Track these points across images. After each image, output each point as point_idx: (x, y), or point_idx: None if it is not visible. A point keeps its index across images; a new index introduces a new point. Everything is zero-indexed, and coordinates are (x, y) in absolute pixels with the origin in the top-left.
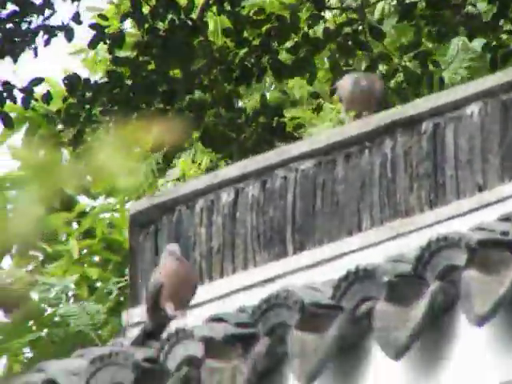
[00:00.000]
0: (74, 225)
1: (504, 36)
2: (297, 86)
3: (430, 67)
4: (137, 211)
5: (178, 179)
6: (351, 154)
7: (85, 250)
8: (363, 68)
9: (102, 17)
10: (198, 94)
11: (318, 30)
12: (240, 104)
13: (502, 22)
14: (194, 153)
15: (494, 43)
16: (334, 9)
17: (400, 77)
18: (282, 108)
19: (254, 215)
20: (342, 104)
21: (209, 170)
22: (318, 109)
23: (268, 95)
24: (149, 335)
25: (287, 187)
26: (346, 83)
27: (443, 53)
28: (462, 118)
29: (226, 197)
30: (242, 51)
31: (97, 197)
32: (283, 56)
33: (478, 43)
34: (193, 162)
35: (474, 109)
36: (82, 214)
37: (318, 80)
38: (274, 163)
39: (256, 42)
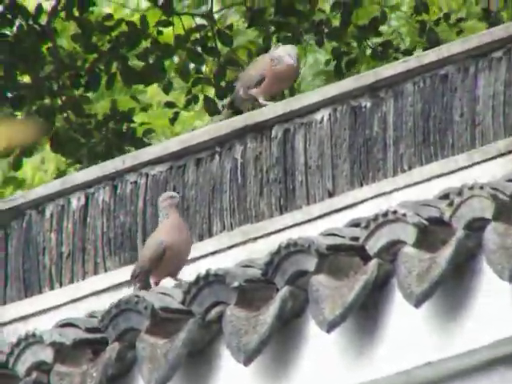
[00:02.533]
0: None
1: (352, 41)
2: (151, 93)
3: None
4: None
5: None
6: (202, 159)
7: None
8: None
9: None
10: (47, 99)
11: (168, 36)
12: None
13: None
14: (41, 159)
15: (342, 49)
16: (182, 14)
17: None
18: (132, 114)
19: (105, 220)
20: (264, 84)
21: (58, 176)
22: (174, 118)
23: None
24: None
25: (138, 192)
26: (284, 55)
27: None
28: (311, 123)
29: (77, 202)
30: (91, 57)
31: None
32: (133, 62)
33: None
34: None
35: (323, 114)
36: None
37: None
38: (125, 168)
39: (105, 48)
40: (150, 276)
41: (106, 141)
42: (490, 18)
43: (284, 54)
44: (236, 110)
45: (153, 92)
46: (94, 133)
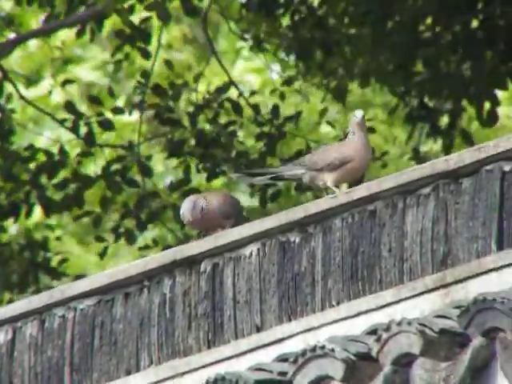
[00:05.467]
0: None
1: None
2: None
3: None
4: None
5: None
6: (130, 293)
7: None
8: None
9: None
10: None
11: (89, 167)
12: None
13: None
14: None
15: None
16: (104, 146)
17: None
18: (47, 243)
19: (32, 354)
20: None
21: None
22: (104, 253)
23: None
24: None
25: (66, 326)
26: (184, 207)
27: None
28: (240, 258)
29: (4, 336)
30: (10, 185)
31: None
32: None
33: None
34: None
35: (252, 249)
36: None
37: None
38: (53, 302)
39: (25, 177)
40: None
41: (21, 270)
42: (419, 157)
43: (182, 210)
44: None
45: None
46: (9, 262)
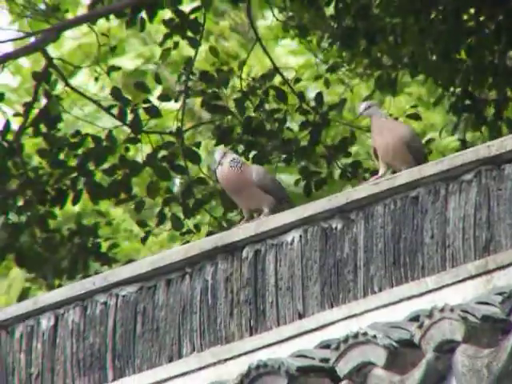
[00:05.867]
0: None
1: (321, 161)
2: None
3: None
4: None
5: None
6: (172, 280)
7: None
8: (180, 194)
9: None
10: (12, 214)
11: (136, 153)
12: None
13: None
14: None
15: (311, 169)
16: (151, 132)
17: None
18: (97, 229)
19: (74, 341)
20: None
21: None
22: (146, 238)
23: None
24: None
25: (108, 313)
26: (220, 156)
27: None
28: (282, 244)
29: (46, 322)
30: (57, 172)
31: None
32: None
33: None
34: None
35: (294, 236)
36: None
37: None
38: (95, 289)
39: (72, 164)
40: None
41: (70, 256)
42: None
43: (219, 158)
44: None
45: (117, 215)
46: (59, 248)
